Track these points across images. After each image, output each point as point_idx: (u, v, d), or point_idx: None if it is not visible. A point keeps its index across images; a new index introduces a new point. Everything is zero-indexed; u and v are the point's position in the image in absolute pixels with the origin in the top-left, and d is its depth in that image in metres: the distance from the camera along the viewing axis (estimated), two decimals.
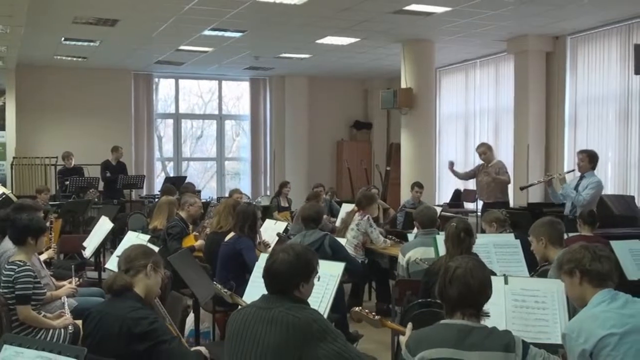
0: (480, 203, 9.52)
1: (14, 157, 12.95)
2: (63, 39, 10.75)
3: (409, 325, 2.95)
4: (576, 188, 7.16)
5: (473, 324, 2.59)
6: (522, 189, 8.67)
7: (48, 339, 4.11)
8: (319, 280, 2.97)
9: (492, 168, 8.76)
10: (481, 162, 9.16)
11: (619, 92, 9.76)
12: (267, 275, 2.86)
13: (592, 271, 2.90)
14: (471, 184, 12.01)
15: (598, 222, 6.03)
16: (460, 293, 2.61)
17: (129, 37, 10.64)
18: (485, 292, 2.66)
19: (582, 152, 7.45)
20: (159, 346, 2.91)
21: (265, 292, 2.88)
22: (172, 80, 15.20)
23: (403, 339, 2.80)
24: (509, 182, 8.87)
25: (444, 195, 13.41)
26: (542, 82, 10.81)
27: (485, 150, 8.93)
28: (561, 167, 10.64)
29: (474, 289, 2.62)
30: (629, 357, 2.72)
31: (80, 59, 12.70)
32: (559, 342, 2.95)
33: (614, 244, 5.30)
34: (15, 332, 4.05)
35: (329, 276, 3.65)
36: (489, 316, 2.66)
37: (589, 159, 7.22)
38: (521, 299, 3.42)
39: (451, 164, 9.40)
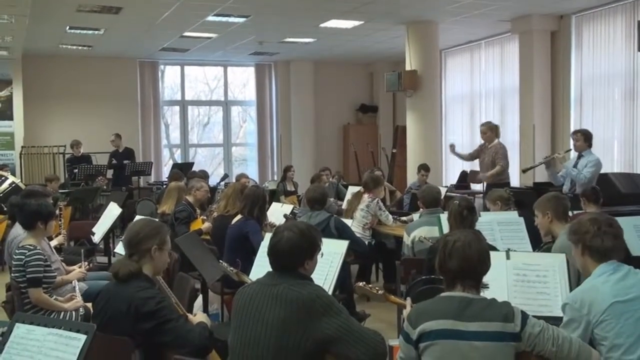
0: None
1: (22, 147, 13.05)
2: (68, 27, 10.79)
3: (408, 299, 3.01)
4: (575, 167, 7.29)
5: (472, 296, 2.64)
6: (524, 171, 8.59)
7: None
8: (322, 257, 3.02)
9: (491, 150, 8.50)
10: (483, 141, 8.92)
11: (624, 70, 9.72)
12: (272, 253, 2.91)
13: (592, 247, 2.98)
14: (477, 165, 12.01)
15: (602, 199, 6.06)
16: (459, 265, 2.65)
17: (133, 24, 10.67)
18: (483, 263, 2.70)
19: (576, 132, 7.59)
20: (165, 325, 2.97)
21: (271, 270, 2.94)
22: (178, 67, 15.23)
23: (405, 313, 2.85)
24: (501, 171, 8.43)
25: (450, 176, 13.43)
26: (547, 61, 10.76)
27: (486, 130, 8.62)
28: (567, 147, 10.63)
29: (472, 260, 2.66)
30: (629, 325, 2.78)
31: (85, 48, 12.75)
32: (560, 314, 2.99)
33: (618, 220, 5.33)
34: None
35: (333, 254, 3.71)
36: (488, 287, 2.71)
37: (584, 138, 7.36)
38: (523, 273, 3.47)
39: (452, 147, 9.21)
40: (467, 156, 9.20)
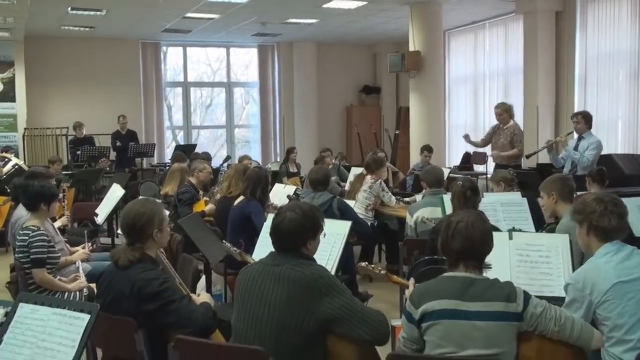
0: (492, 165, 9.46)
1: (25, 129, 13.05)
2: (70, 9, 10.74)
3: (412, 280, 3.02)
4: (576, 149, 7.30)
5: (475, 276, 2.64)
6: (528, 157, 8.54)
7: None
8: (325, 237, 3.02)
9: (508, 131, 8.51)
10: (497, 122, 8.83)
11: (629, 50, 9.65)
12: (275, 233, 2.91)
13: (598, 227, 2.98)
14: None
15: (607, 181, 6.05)
16: (463, 246, 2.65)
17: (135, 5, 10.61)
18: (487, 244, 2.69)
19: (576, 114, 7.57)
20: (169, 305, 2.97)
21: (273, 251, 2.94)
22: (181, 49, 15.16)
23: (408, 293, 2.86)
24: (520, 155, 8.52)
25: (454, 158, 13.41)
26: (552, 42, 10.68)
27: (501, 112, 8.58)
28: (571, 129, 10.58)
29: (476, 241, 2.65)
30: (631, 306, 2.79)
31: (87, 29, 12.69)
32: (563, 295, 3.00)
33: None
34: None
35: (335, 235, 3.72)
36: (490, 268, 2.71)
37: (585, 120, 7.36)
38: (526, 254, 3.47)
39: (467, 138, 9.19)
40: (481, 143, 9.13)
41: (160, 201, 5.53)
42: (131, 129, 12.65)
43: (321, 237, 2.98)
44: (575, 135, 7.48)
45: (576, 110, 10.49)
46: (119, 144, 12.18)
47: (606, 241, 2.98)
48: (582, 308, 2.83)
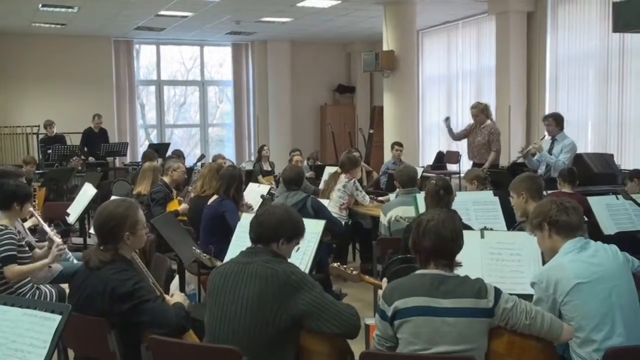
0: (465, 164, 9.49)
1: None
2: (40, 5, 10.58)
3: (384, 280, 3.04)
4: (550, 152, 7.30)
5: (446, 273, 2.68)
6: (507, 168, 8.58)
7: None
8: (297, 251, 3.07)
9: (485, 130, 8.53)
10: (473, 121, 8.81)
11: (599, 51, 9.80)
12: (256, 223, 2.97)
13: (559, 221, 2.99)
14: (454, 146, 12.11)
15: (578, 180, 6.14)
16: (433, 244, 2.68)
17: (107, 2, 10.49)
18: (457, 242, 2.73)
19: (547, 117, 7.57)
20: (141, 305, 2.94)
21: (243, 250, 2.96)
22: (153, 47, 15.04)
23: (381, 292, 2.88)
24: (497, 157, 8.51)
25: (427, 157, 13.51)
26: (523, 42, 10.81)
27: (477, 113, 8.57)
28: (542, 129, 10.70)
29: (446, 239, 2.69)
30: (594, 306, 2.81)
31: (59, 26, 12.52)
32: (532, 292, 3.03)
33: (591, 199, 5.43)
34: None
35: (310, 233, 3.70)
36: (461, 266, 2.74)
37: (556, 122, 7.36)
38: (497, 252, 3.51)
39: (448, 120, 9.13)
40: (456, 135, 9.11)
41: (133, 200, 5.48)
42: (103, 127, 12.53)
43: (294, 250, 3.04)
44: (548, 137, 7.46)
45: (547, 110, 10.64)
46: (86, 149, 12.04)
47: (569, 237, 2.99)
48: (548, 307, 2.86)
